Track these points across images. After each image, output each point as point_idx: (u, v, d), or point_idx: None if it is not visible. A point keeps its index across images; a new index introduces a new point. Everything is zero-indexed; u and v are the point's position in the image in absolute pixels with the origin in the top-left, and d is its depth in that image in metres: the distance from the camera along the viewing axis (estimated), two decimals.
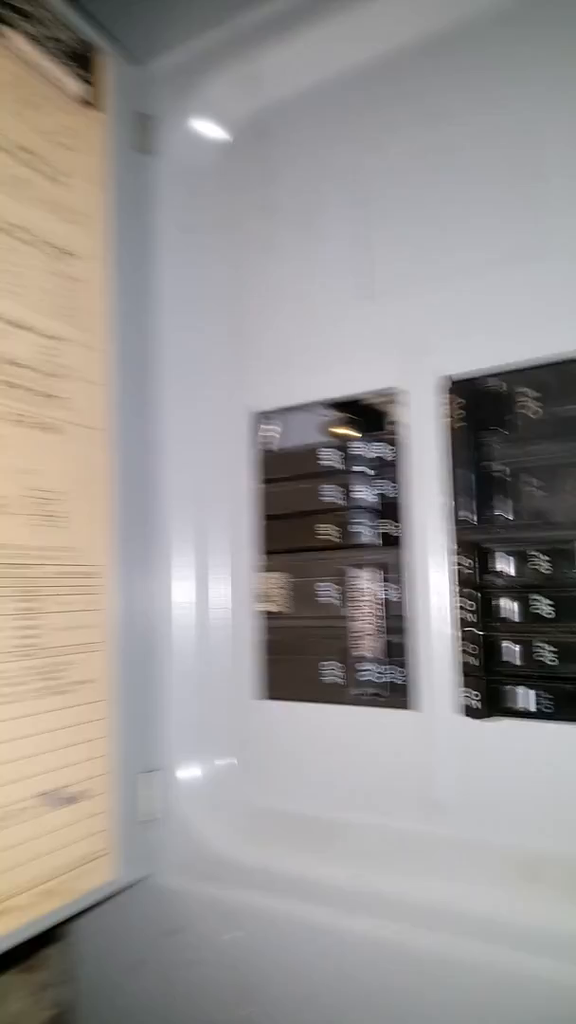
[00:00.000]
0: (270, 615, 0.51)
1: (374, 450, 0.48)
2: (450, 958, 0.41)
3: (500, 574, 0.43)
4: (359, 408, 0.50)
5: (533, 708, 0.41)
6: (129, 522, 0.50)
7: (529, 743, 0.41)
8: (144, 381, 0.53)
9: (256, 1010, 0.48)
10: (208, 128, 0.55)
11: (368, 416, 0.50)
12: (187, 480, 0.53)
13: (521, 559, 0.42)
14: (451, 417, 0.44)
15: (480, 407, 0.43)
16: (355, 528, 0.48)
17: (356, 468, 0.48)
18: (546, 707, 0.40)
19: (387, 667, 0.46)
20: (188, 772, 0.51)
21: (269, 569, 0.51)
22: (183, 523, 0.53)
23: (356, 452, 0.48)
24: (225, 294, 0.54)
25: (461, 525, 0.44)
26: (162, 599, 0.52)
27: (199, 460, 0.54)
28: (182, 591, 0.53)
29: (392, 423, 0.49)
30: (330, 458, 0.49)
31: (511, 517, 0.43)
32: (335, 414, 0.52)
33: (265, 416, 0.53)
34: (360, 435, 0.48)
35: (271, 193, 0.53)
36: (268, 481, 0.52)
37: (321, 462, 0.49)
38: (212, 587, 0.53)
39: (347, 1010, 0.45)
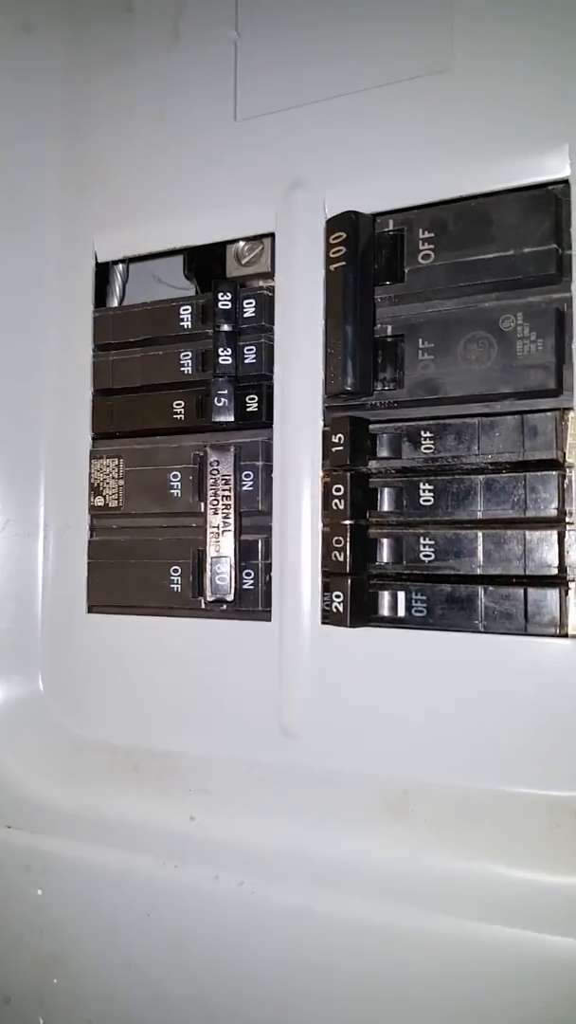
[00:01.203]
0: (101, 511, 0.42)
1: (235, 308, 0.39)
2: (301, 912, 0.34)
3: (375, 454, 0.35)
4: (219, 259, 0.41)
5: (403, 613, 0.34)
6: None
7: (399, 656, 0.34)
8: None
9: (67, 979, 0.40)
10: None
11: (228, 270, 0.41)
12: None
13: (400, 437, 0.35)
14: (327, 257, 0.35)
15: (362, 247, 0.35)
16: (210, 404, 0.39)
17: (212, 330, 0.39)
18: (418, 611, 0.33)
19: (241, 571, 0.38)
20: None
21: (102, 456, 0.42)
22: None
23: (214, 310, 0.39)
24: (67, 113, 0.43)
25: (333, 394, 0.36)
26: None
27: (21, 319, 0.43)
28: None
29: (260, 275, 0.41)
30: (182, 319, 0.40)
31: (393, 387, 0.35)
32: (190, 264, 0.43)
33: (109, 266, 0.43)
34: (219, 291, 0.39)
35: None
36: (103, 348, 0.42)
37: (170, 323, 0.40)
38: (28, 478, 0.43)
39: (177, 978, 0.37)
